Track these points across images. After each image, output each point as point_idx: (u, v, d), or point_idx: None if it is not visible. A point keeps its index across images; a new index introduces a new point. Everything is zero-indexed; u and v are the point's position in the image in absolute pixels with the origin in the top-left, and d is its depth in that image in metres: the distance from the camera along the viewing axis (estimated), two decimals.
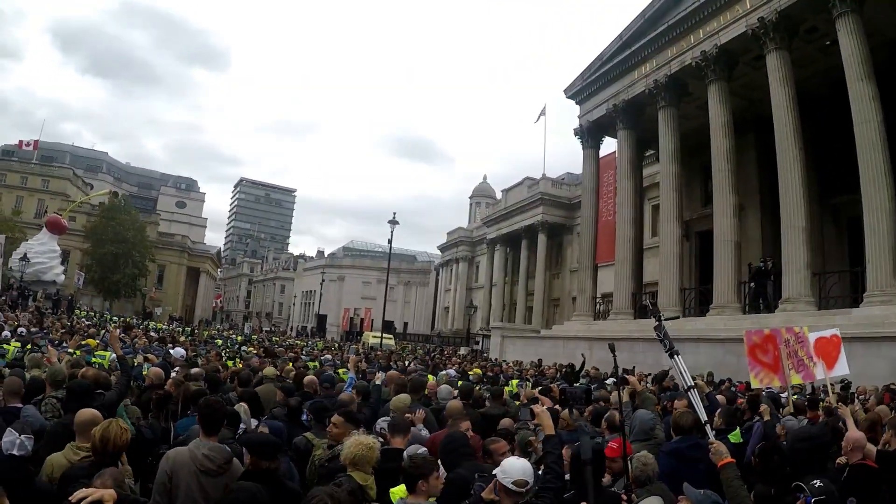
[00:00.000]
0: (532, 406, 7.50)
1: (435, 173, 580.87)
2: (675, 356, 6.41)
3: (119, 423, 4.95)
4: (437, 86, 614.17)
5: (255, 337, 44.06)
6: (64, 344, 16.63)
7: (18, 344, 14.64)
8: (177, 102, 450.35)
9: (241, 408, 7.90)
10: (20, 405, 6.94)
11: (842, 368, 12.14)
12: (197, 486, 5.02)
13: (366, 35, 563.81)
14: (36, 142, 79.90)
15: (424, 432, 7.73)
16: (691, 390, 6.36)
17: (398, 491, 4.97)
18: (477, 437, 7.41)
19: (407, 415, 8.15)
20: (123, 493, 3.84)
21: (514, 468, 4.56)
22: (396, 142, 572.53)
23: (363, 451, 5.29)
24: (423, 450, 5.93)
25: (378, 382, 10.46)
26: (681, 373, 6.45)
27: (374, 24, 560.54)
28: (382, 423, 7.59)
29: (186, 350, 19.90)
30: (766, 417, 8.68)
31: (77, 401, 6.17)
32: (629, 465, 5.47)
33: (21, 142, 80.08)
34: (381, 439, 6.49)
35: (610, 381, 17.22)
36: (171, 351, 17.91)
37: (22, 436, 4.52)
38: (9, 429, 4.59)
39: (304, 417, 8.44)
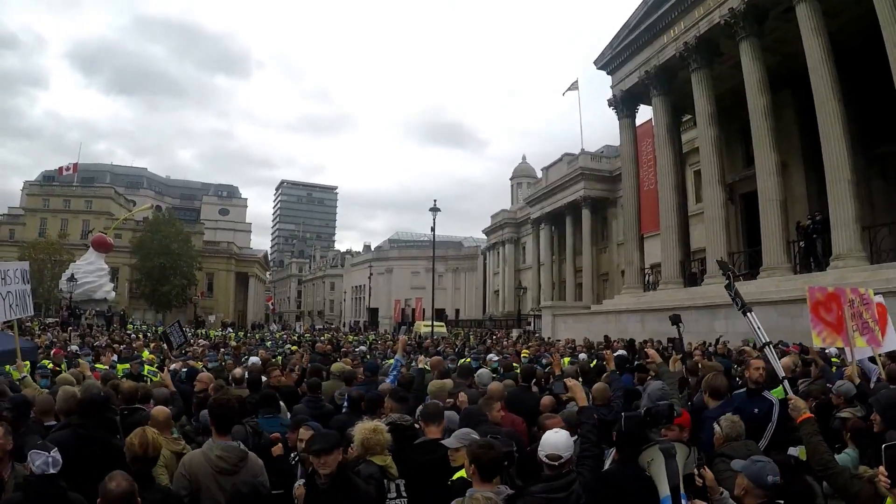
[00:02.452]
0: (565, 380, 7.40)
1: (469, 158, 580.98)
2: (749, 313, 6.39)
3: (150, 430, 4.99)
4: (463, 69, 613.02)
5: (306, 336, 44.39)
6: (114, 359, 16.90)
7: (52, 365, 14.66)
8: (204, 111, 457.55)
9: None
10: (53, 422, 6.92)
11: (891, 343, 11.59)
12: (216, 487, 5.14)
13: (385, 24, 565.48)
14: (75, 165, 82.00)
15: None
16: (767, 347, 6.46)
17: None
18: (515, 419, 7.70)
19: (449, 399, 8.21)
20: None
21: (547, 442, 4.82)
22: (428, 129, 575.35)
23: (369, 435, 5.42)
24: (466, 430, 5.84)
25: (421, 366, 10.35)
26: (755, 329, 6.58)
27: (392, 11, 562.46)
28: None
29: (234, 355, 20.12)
30: (857, 380, 8.28)
31: (89, 416, 6.06)
32: None
33: (61, 168, 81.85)
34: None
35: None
36: (251, 359, 17.89)
37: (51, 452, 4.39)
38: (34, 451, 4.44)
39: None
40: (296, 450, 6.32)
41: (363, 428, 5.50)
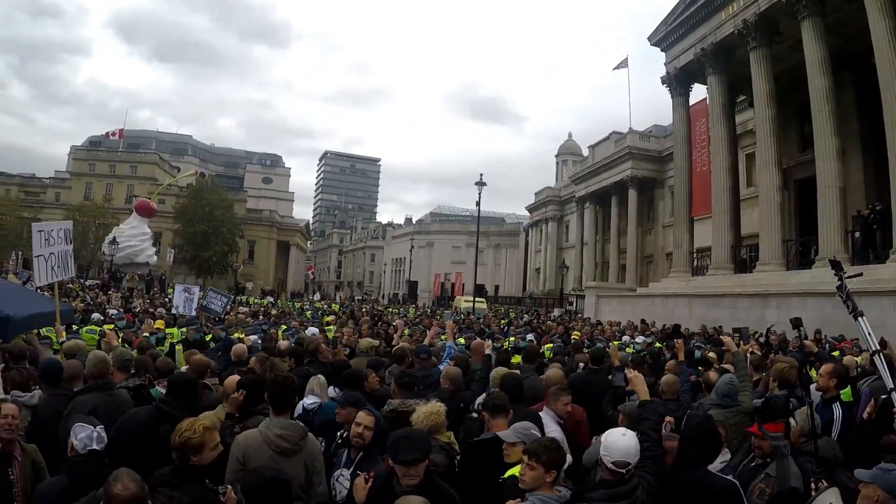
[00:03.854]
0: (626, 371, 6.95)
1: (507, 134, 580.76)
2: (860, 318, 6.09)
3: (199, 423, 4.49)
4: (503, 45, 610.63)
5: (347, 304, 44.36)
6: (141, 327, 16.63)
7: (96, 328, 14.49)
8: (244, 81, 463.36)
9: (317, 380, 7.37)
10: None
11: None
12: None
13: None
14: (121, 130, 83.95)
15: None
16: (877, 355, 6.04)
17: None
18: (578, 411, 7.23)
19: None
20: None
21: (616, 448, 4.40)
22: (466, 105, 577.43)
23: (435, 419, 5.51)
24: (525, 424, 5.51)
25: (488, 351, 9.75)
26: (866, 336, 6.22)
27: None
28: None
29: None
30: None
31: (180, 398, 5.80)
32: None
33: (107, 133, 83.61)
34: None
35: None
36: (308, 330, 17.49)
37: (96, 427, 4.30)
38: (77, 424, 4.33)
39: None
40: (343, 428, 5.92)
41: (428, 413, 5.54)
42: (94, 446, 4.23)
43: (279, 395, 5.45)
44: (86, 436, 4.23)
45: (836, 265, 7.69)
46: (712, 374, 8.61)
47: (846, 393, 7.80)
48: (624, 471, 4.36)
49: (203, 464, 4.26)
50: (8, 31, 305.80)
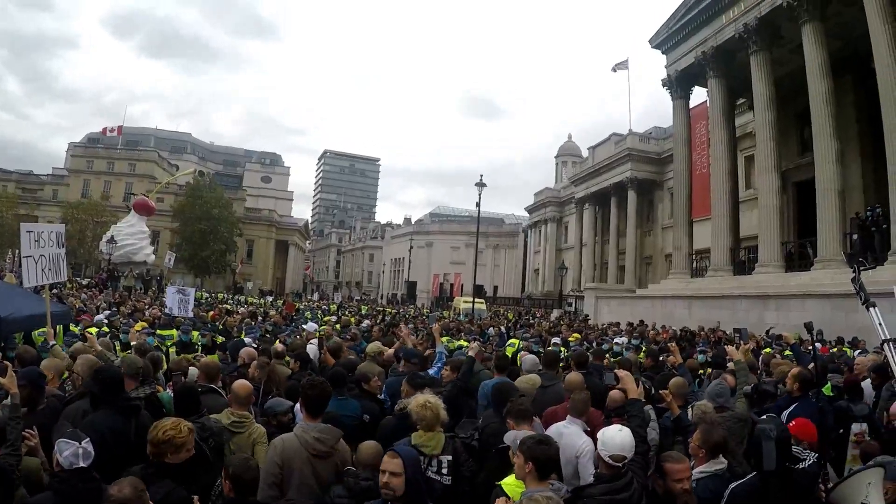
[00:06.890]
0: (615, 371, 7.17)
1: (507, 133, 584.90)
2: (872, 308, 6.05)
3: (181, 423, 4.62)
4: (501, 48, 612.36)
5: (345, 306, 44.17)
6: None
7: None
8: (237, 76, 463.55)
9: None
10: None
11: None
12: (310, 472, 5.00)
13: None
14: (120, 127, 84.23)
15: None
16: (888, 343, 5.83)
17: (512, 483, 4.58)
18: (597, 414, 6.91)
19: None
20: None
21: (612, 443, 4.59)
22: (465, 104, 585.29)
23: (421, 411, 5.37)
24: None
25: (471, 353, 8.82)
26: (877, 326, 6.04)
27: None
28: None
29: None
30: None
31: (110, 393, 5.45)
32: None
33: (105, 128, 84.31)
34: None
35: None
36: (305, 326, 17.85)
37: (81, 443, 4.11)
38: (60, 440, 4.14)
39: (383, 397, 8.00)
40: None
41: (418, 404, 5.44)
42: (81, 464, 4.07)
43: (315, 400, 5.44)
44: (70, 453, 4.06)
45: (850, 258, 7.88)
46: (729, 379, 8.29)
47: (827, 388, 8.21)
48: (621, 464, 4.54)
49: (176, 463, 4.41)
50: None
